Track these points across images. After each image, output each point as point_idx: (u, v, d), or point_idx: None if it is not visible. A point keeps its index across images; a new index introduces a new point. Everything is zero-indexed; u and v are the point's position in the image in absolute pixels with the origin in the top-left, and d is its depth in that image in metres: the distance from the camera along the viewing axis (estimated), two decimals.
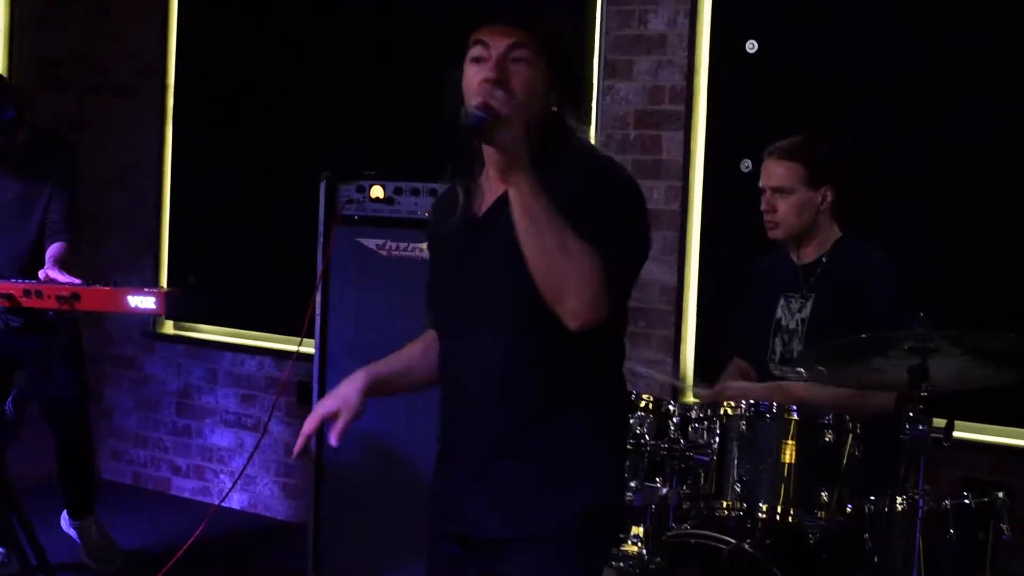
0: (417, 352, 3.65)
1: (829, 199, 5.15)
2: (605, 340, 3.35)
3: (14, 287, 5.77)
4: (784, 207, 5.16)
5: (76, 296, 5.70)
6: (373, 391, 3.50)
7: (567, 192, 3.16)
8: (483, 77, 3.23)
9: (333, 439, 3.41)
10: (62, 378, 6.69)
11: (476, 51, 3.30)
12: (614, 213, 3.21)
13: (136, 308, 5.77)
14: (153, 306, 5.74)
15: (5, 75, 7.95)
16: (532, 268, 3.10)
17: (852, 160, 5.39)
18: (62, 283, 5.89)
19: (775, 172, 5.19)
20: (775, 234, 5.23)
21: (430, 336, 3.63)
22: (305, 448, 3.47)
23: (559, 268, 3.07)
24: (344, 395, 3.46)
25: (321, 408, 3.46)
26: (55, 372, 6.62)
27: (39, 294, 5.76)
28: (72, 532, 7.01)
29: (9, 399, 5.98)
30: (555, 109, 3.32)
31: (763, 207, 5.22)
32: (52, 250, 6.50)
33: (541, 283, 3.11)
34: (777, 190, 5.17)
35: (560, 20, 3.43)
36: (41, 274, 6.19)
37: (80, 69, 8.76)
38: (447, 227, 3.45)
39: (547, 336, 3.21)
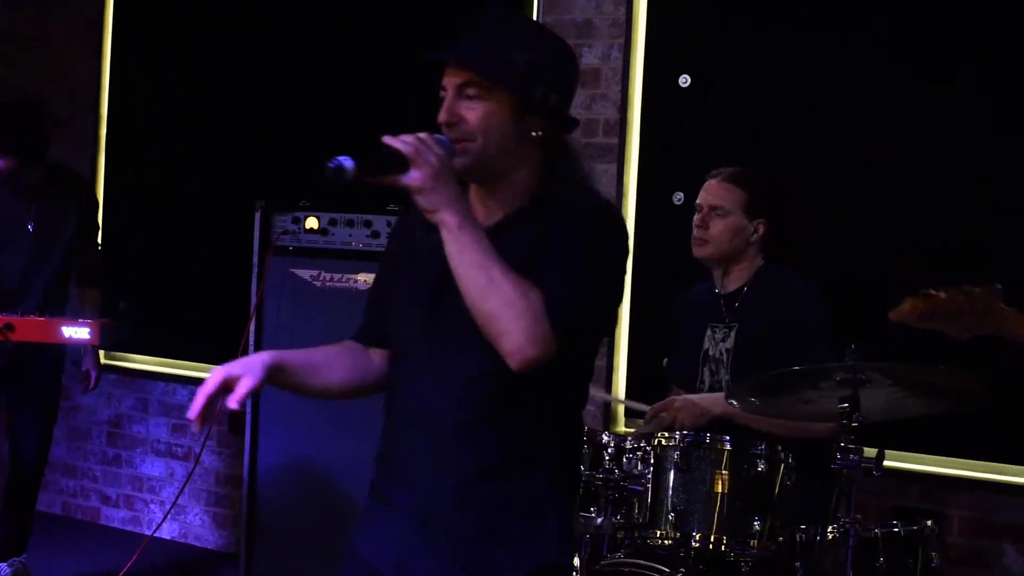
0: (331, 356, 3.51)
1: (761, 232, 5.19)
2: (567, 386, 3.30)
3: None
4: (718, 227, 5.19)
5: (10, 327, 5.70)
6: (275, 375, 3.32)
7: (549, 227, 3.16)
8: (439, 120, 3.21)
9: (232, 402, 3.22)
10: (27, 433, 6.76)
11: (441, 93, 3.26)
12: (580, 253, 3.13)
13: (70, 339, 5.78)
14: (87, 336, 5.74)
15: None
16: (466, 303, 3.05)
17: (788, 197, 5.43)
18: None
19: (716, 192, 5.23)
20: (701, 251, 5.25)
21: (349, 345, 3.54)
22: (206, 416, 3.25)
23: (487, 304, 3.00)
24: (248, 363, 3.29)
25: (224, 370, 3.26)
26: (24, 422, 6.68)
27: None
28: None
29: None
30: (536, 134, 3.24)
31: (696, 222, 5.24)
32: (93, 301, 6.80)
33: (476, 318, 3.05)
34: (715, 209, 5.20)
35: (530, 38, 3.29)
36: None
37: (14, 101, 8.71)
38: (410, 252, 3.40)
39: (511, 380, 3.11)
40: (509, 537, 3.24)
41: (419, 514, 3.27)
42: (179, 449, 8.31)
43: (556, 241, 3.13)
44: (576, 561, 4.65)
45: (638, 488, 4.63)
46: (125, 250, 8.48)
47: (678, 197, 6.52)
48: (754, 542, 4.54)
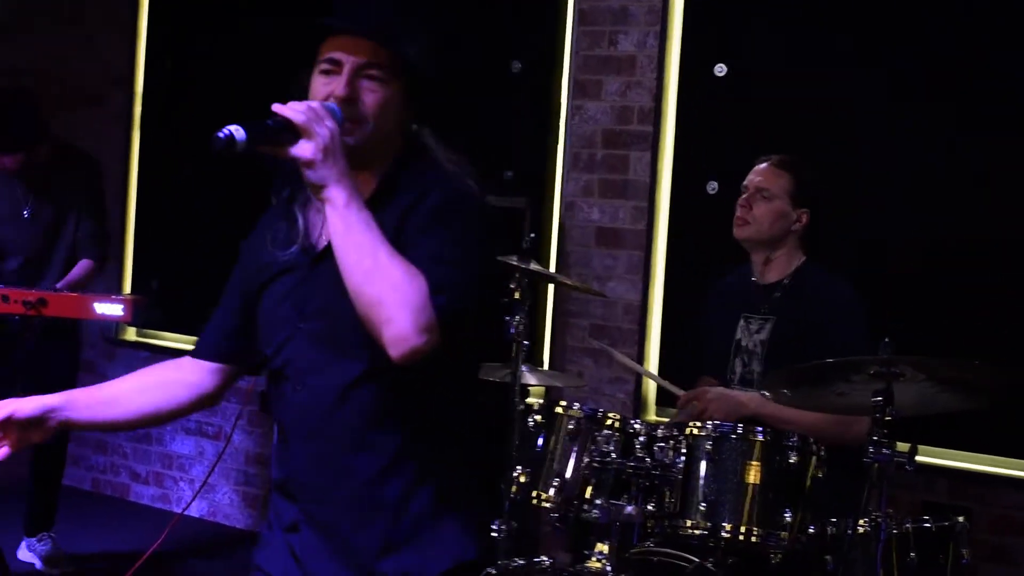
0: (134, 382, 3.35)
1: (804, 222, 5.18)
2: (450, 382, 3.16)
3: None
4: (762, 209, 5.19)
5: (43, 301, 5.73)
6: (49, 423, 3.25)
7: (410, 214, 3.04)
8: (332, 92, 3.05)
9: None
10: (49, 389, 6.73)
11: (325, 64, 3.09)
12: (450, 238, 2.99)
13: (103, 315, 5.80)
14: (120, 313, 5.77)
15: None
16: (348, 288, 2.88)
17: (830, 190, 5.43)
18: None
19: (765, 175, 5.22)
20: (742, 232, 5.24)
21: (173, 366, 3.40)
22: None
23: (374, 287, 2.83)
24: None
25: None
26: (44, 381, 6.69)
27: (5, 299, 5.78)
28: (32, 554, 7.01)
29: None
30: (415, 127, 3.19)
31: (740, 204, 5.24)
32: (76, 269, 6.63)
33: (358, 305, 2.87)
34: (761, 191, 5.19)
35: (421, 35, 3.19)
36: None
37: (47, 78, 8.76)
38: (279, 257, 3.21)
39: (392, 381, 3.03)
40: (407, 542, 3.12)
41: (315, 525, 3.16)
42: (209, 428, 8.33)
43: (430, 230, 3.00)
44: (605, 548, 4.65)
45: (669, 477, 4.62)
46: (158, 228, 8.52)
47: (712, 186, 6.52)
48: (784, 534, 4.53)
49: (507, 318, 5.25)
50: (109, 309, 5.73)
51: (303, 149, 2.86)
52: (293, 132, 2.87)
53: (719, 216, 5.41)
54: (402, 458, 3.10)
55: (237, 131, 2.83)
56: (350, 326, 2.95)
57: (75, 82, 8.83)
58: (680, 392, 5.27)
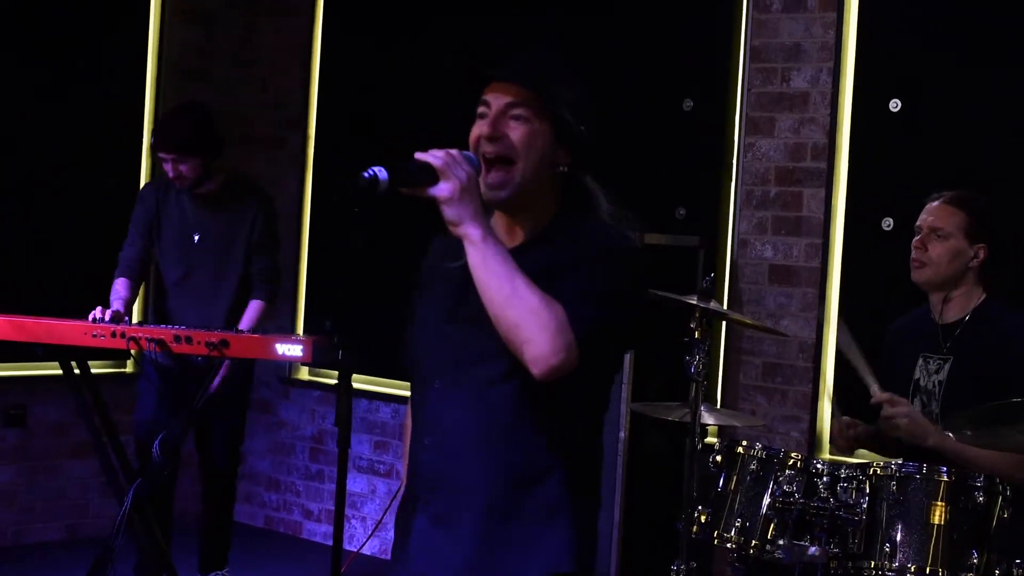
0: None
1: (981, 257, 5.09)
2: (585, 399, 3.31)
3: (165, 332, 5.91)
4: (937, 250, 5.09)
5: (225, 343, 5.82)
6: None
7: (561, 260, 3.20)
8: (479, 132, 3.27)
9: None
10: (216, 441, 6.87)
11: (480, 108, 3.31)
12: (593, 283, 3.17)
13: (284, 355, 5.87)
14: (300, 354, 5.83)
15: (152, 128, 8.19)
16: (492, 319, 3.11)
17: (1009, 223, 5.34)
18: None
19: (938, 214, 5.11)
20: (920, 275, 5.15)
21: None
22: None
23: (511, 312, 3.07)
24: None
25: None
26: (213, 431, 6.80)
27: (189, 340, 5.88)
28: None
29: (156, 442, 6.11)
30: (563, 169, 3.31)
31: (914, 244, 5.16)
32: (249, 312, 6.67)
33: (500, 330, 3.11)
34: (935, 231, 5.09)
35: (575, 79, 3.37)
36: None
37: (224, 119, 8.90)
38: (444, 269, 3.42)
39: (530, 387, 3.16)
40: (523, 541, 3.25)
41: (441, 520, 3.30)
42: (381, 466, 8.41)
43: (575, 263, 3.19)
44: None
45: (853, 518, 4.59)
46: (331, 270, 8.62)
47: (887, 223, 6.47)
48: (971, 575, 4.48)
49: (687, 358, 5.26)
50: (290, 350, 5.80)
51: (441, 189, 3.10)
52: (432, 175, 3.10)
53: (894, 252, 5.37)
54: (528, 461, 3.25)
55: (380, 172, 3.08)
56: (490, 332, 3.14)
57: (251, 124, 8.98)
58: (876, 388, 5.17)
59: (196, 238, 6.75)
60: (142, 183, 8.32)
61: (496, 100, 3.27)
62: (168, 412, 6.54)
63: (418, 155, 3.12)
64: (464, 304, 3.28)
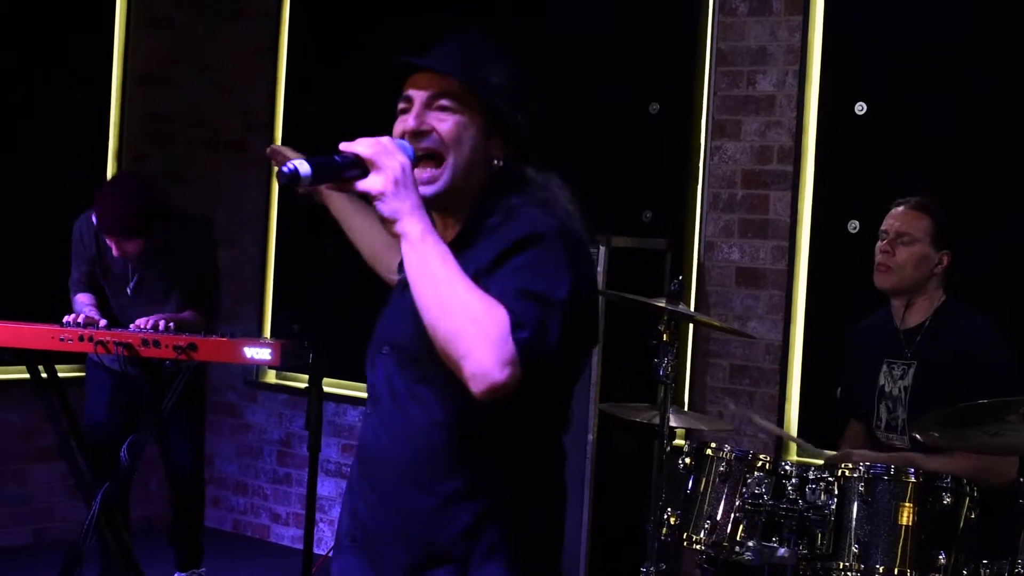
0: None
1: (944, 263, 5.13)
2: (532, 428, 2.99)
3: (132, 336, 5.88)
4: (904, 255, 5.12)
5: (193, 346, 5.80)
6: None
7: (494, 247, 2.89)
8: (402, 128, 3.00)
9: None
10: (178, 446, 6.84)
11: (401, 104, 3.07)
12: (534, 272, 2.83)
13: (252, 359, 5.86)
14: (268, 357, 5.82)
15: (117, 134, 8.20)
16: (425, 323, 2.78)
17: (970, 229, 5.37)
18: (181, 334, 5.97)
19: (904, 219, 5.16)
20: (884, 280, 5.18)
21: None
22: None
23: (451, 322, 2.72)
24: None
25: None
26: (173, 436, 6.76)
27: (156, 344, 5.86)
28: None
29: (124, 446, 6.10)
30: (498, 162, 3.04)
31: (880, 248, 5.19)
32: (184, 315, 6.46)
33: (435, 340, 2.76)
34: (902, 235, 5.13)
35: (507, 63, 3.10)
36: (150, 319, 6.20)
37: (189, 125, 8.89)
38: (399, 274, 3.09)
39: (469, 427, 2.91)
40: (440, 564, 2.95)
41: (366, 543, 3.05)
42: (348, 469, 8.38)
43: (515, 263, 2.85)
44: None
45: (821, 519, 4.61)
46: (297, 273, 8.61)
47: (853, 225, 6.49)
48: None
49: (655, 360, 5.27)
50: (258, 353, 5.79)
51: (371, 183, 2.81)
52: (362, 167, 2.82)
53: (860, 255, 5.39)
54: (473, 488, 2.93)
55: (302, 165, 2.78)
56: (429, 357, 2.84)
57: (215, 129, 8.97)
58: (817, 451, 5.25)
59: (129, 291, 6.64)
60: None
61: (418, 93, 3.02)
62: (120, 416, 6.55)
63: (344, 146, 2.85)
64: (399, 324, 3.03)
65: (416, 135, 2.97)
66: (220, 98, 8.97)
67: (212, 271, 6.82)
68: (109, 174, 8.39)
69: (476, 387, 2.71)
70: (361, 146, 2.84)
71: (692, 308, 6.84)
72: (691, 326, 6.89)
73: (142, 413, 6.33)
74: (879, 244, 5.20)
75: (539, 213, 2.95)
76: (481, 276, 2.84)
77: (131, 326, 6.09)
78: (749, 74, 6.88)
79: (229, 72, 8.99)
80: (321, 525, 8.49)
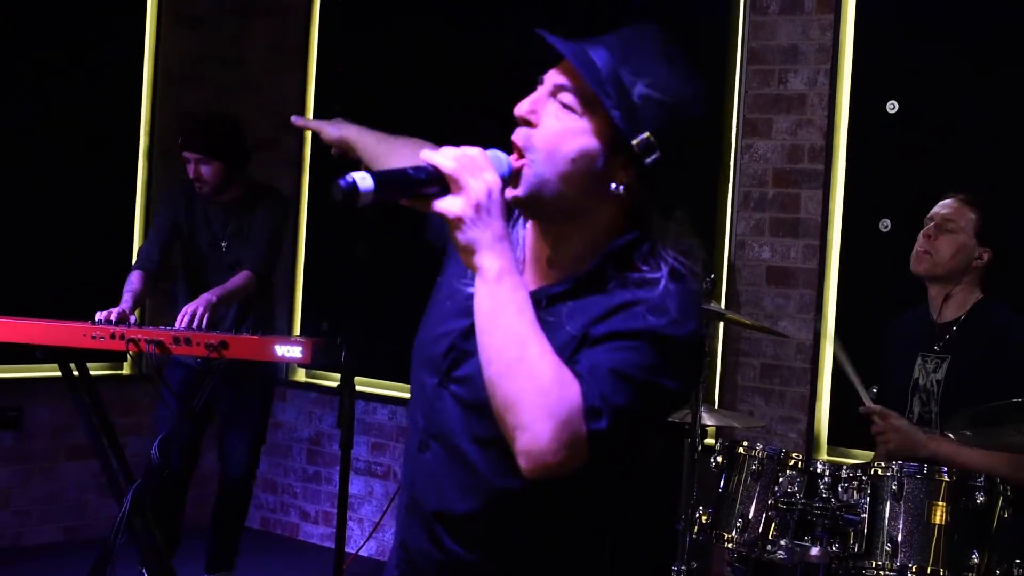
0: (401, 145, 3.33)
1: (984, 260, 5.12)
2: (601, 499, 2.65)
3: (164, 334, 5.88)
4: (945, 242, 5.12)
5: (224, 344, 5.80)
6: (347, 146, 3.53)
7: (595, 310, 2.49)
8: (517, 112, 2.56)
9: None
10: (238, 457, 6.88)
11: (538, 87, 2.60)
12: (651, 366, 2.42)
13: (283, 357, 5.85)
14: (300, 355, 5.82)
15: (148, 132, 8.24)
16: (484, 376, 2.39)
17: (1010, 230, 5.36)
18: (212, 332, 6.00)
19: (952, 207, 5.16)
20: (921, 265, 5.17)
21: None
22: None
23: (512, 385, 2.35)
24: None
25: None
26: (233, 436, 6.82)
27: (187, 341, 5.86)
28: None
29: (155, 443, 6.11)
30: (617, 187, 2.51)
31: (923, 235, 5.18)
32: (235, 278, 6.64)
33: (492, 399, 2.39)
34: (948, 221, 5.12)
35: (671, 72, 2.56)
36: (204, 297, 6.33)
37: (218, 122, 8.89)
38: (464, 290, 2.62)
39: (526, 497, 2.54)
40: None
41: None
42: (379, 468, 8.41)
43: (615, 331, 2.44)
44: None
45: (854, 518, 4.60)
46: (327, 272, 8.62)
47: (885, 224, 6.48)
48: (971, 575, 4.49)
49: None
50: (289, 351, 5.78)
51: (448, 205, 2.39)
52: (442, 183, 2.41)
53: (891, 254, 5.39)
54: (530, 554, 2.62)
55: (363, 180, 2.35)
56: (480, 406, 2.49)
57: (246, 126, 8.95)
58: (869, 399, 5.21)
59: (224, 247, 6.78)
60: (139, 187, 8.36)
61: (553, 77, 2.55)
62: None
63: (424, 155, 2.42)
64: (469, 360, 2.58)
65: (524, 123, 2.54)
66: (250, 96, 8.98)
67: (277, 239, 6.95)
68: (140, 173, 8.43)
69: (524, 463, 2.36)
70: (443, 158, 2.42)
71: (723, 307, 6.83)
72: (722, 324, 6.88)
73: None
74: (923, 230, 5.19)
75: (679, 305, 2.49)
76: (580, 340, 2.47)
77: (179, 314, 6.20)
78: (780, 73, 6.86)
79: (259, 70, 9.01)
80: (350, 523, 8.50)
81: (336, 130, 3.60)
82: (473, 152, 2.44)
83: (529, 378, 2.33)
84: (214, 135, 6.69)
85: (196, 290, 6.58)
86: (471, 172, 2.40)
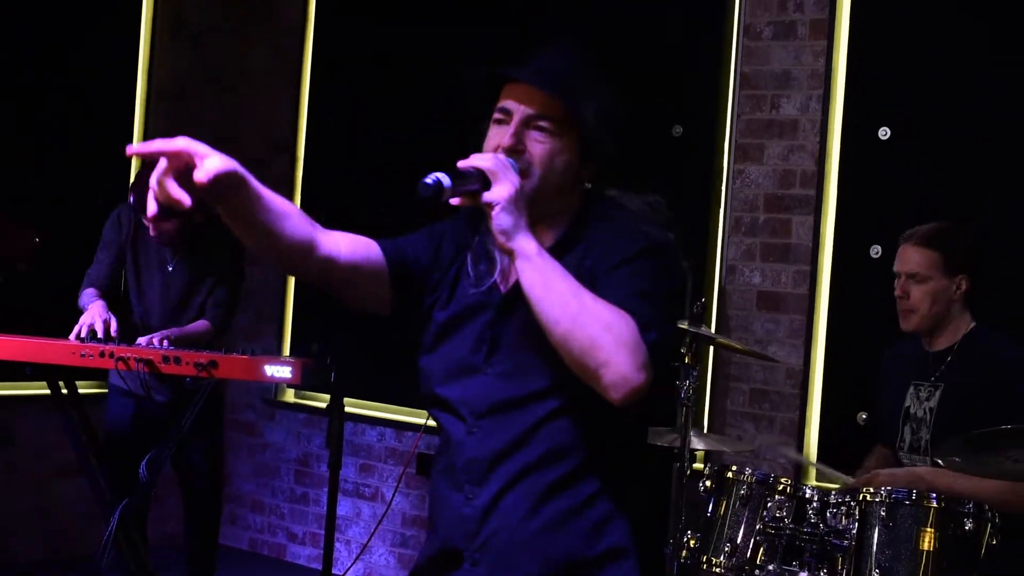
0: (289, 208, 3.08)
1: (963, 287, 5.11)
2: (638, 429, 3.20)
3: (153, 353, 5.87)
4: (918, 294, 5.12)
5: (214, 363, 5.79)
6: (237, 184, 2.85)
7: (598, 258, 3.00)
8: (498, 142, 3.03)
9: (202, 176, 2.76)
10: (194, 456, 6.82)
11: (498, 114, 3.09)
12: (650, 277, 2.93)
13: (273, 377, 5.84)
14: (289, 375, 5.81)
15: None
16: (555, 342, 2.82)
17: (989, 249, 5.35)
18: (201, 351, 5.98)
19: (911, 258, 5.16)
20: (909, 323, 5.17)
21: (349, 237, 3.24)
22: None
23: (584, 332, 2.78)
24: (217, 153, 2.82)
25: (187, 142, 2.86)
26: (191, 448, 6.75)
27: (177, 360, 5.84)
28: None
29: (143, 462, 6.09)
30: (588, 184, 3.15)
31: (897, 292, 5.19)
32: (193, 325, 6.61)
33: (569, 357, 2.82)
34: (912, 276, 5.13)
35: (601, 84, 3.15)
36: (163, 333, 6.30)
37: (211, 143, 8.86)
38: (468, 291, 3.16)
39: (579, 429, 2.99)
40: (577, 532, 3.04)
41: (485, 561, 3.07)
42: (366, 489, 8.39)
43: (629, 265, 2.95)
44: None
45: (842, 544, 4.59)
46: (317, 293, 8.60)
47: (875, 250, 6.48)
48: None
49: (677, 382, 5.26)
50: (279, 371, 5.78)
51: (497, 193, 2.86)
52: (483, 180, 2.89)
53: (882, 280, 5.36)
54: (575, 471, 3.02)
55: (444, 178, 2.84)
56: (538, 369, 2.96)
57: (238, 148, 8.98)
58: (842, 476, 5.23)
59: (170, 268, 6.72)
60: None
61: (518, 108, 3.05)
62: (141, 433, 6.57)
63: (462, 163, 2.89)
64: (495, 354, 3.06)
65: (511, 152, 3.02)
66: (243, 115, 8.98)
67: (237, 282, 6.88)
68: None
69: (616, 394, 2.78)
70: (482, 160, 2.91)
71: (713, 331, 6.83)
72: (712, 349, 6.88)
73: (162, 430, 6.33)
74: (896, 286, 5.19)
75: (647, 224, 3.09)
76: (590, 282, 2.92)
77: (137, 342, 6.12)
78: (773, 98, 6.87)
79: (253, 89, 9.01)
80: (337, 545, 8.48)
81: (229, 164, 2.89)
82: (501, 156, 2.96)
83: (596, 322, 2.78)
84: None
85: (144, 303, 6.61)
86: (503, 170, 2.91)
